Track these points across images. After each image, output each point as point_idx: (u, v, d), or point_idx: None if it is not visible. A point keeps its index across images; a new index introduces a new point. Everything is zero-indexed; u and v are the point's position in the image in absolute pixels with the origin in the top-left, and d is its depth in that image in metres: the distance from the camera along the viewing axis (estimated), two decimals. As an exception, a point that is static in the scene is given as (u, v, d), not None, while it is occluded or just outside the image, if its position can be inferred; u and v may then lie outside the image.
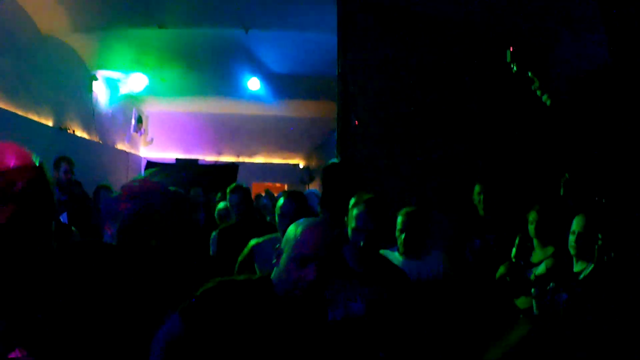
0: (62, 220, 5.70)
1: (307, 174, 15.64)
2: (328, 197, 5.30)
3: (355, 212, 3.27)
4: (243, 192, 6.26)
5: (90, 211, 7.45)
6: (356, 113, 6.91)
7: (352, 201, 3.36)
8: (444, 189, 6.49)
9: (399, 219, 4.50)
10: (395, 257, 4.44)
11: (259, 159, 16.73)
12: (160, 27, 9.81)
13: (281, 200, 4.59)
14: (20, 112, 9.83)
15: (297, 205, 4.52)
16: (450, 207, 6.19)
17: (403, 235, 4.47)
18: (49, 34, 10.29)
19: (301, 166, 16.42)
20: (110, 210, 2.68)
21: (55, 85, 11.27)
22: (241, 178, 16.21)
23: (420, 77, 6.85)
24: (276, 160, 16.68)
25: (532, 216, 4.74)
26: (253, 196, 10.78)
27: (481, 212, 5.66)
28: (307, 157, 16.31)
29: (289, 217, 4.28)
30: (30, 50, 9.92)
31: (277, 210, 4.56)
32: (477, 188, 5.71)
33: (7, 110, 9.38)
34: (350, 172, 6.25)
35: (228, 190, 6.36)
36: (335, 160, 6.80)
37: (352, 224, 3.28)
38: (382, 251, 3.81)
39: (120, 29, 10.47)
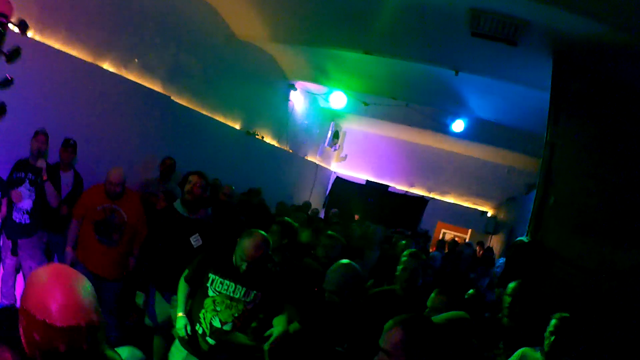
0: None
1: (493, 225, 14.92)
2: (509, 275, 5.09)
3: None
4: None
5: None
6: (556, 190, 6.20)
7: None
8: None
9: (553, 322, 4.08)
10: (537, 357, 4.04)
11: (449, 199, 16.20)
12: (366, 52, 9.70)
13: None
14: (206, 113, 10.13)
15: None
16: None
17: (552, 338, 4.01)
18: (244, 40, 10.50)
19: (489, 215, 15.68)
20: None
21: (248, 89, 11.51)
22: (427, 214, 15.81)
23: (634, 163, 5.96)
24: (466, 203, 16.03)
25: None
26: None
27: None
28: (497, 207, 15.53)
29: None
30: (223, 54, 10.19)
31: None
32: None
33: (195, 111, 9.71)
34: (538, 256, 5.75)
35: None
36: (524, 238, 6.21)
37: None
38: (525, 349, 3.94)
39: (324, 47, 10.47)
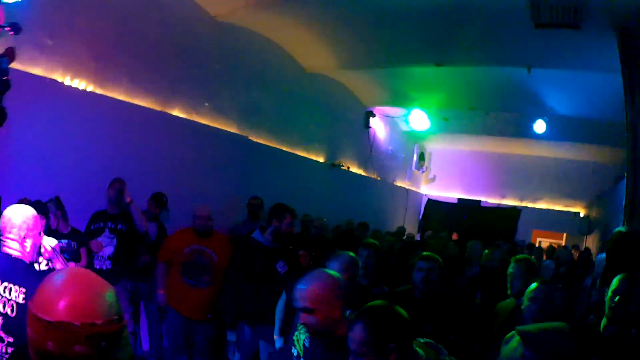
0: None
1: (587, 225, 14.26)
2: (612, 270, 4.61)
3: None
4: None
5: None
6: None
7: None
8: None
9: None
10: None
11: (541, 205, 15.67)
12: (437, 65, 9.61)
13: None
14: (287, 149, 10.27)
15: None
16: None
17: None
18: (314, 72, 10.65)
19: (581, 215, 15.01)
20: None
21: (326, 121, 11.64)
22: (521, 224, 15.33)
23: None
24: (557, 207, 15.47)
25: None
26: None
27: None
28: (588, 206, 14.87)
29: None
30: (295, 89, 10.37)
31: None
32: None
33: (275, 148, 9.87)
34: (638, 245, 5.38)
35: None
36: (621, 229, 5.86)
37: None
38: None
39: (394, 67, 10.49)
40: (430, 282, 4.50)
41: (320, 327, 2.75)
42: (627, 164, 6.33)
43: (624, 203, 6.38)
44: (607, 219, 11.27)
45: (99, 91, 6.46)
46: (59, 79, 5.97)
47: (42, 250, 3.75)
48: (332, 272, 2.89)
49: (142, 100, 7.12)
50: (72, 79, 6.09)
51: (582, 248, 12.53)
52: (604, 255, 7.77)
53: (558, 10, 6.70)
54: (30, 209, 3.39)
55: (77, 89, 6.16)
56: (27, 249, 3.23)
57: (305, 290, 2.72)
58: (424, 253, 4.89)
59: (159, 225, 6.67)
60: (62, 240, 4.25)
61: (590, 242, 13.96)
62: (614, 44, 6.59)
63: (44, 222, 3.93)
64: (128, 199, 5.70)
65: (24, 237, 3.22)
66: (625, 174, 6.32)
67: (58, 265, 3.83)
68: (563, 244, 14.65)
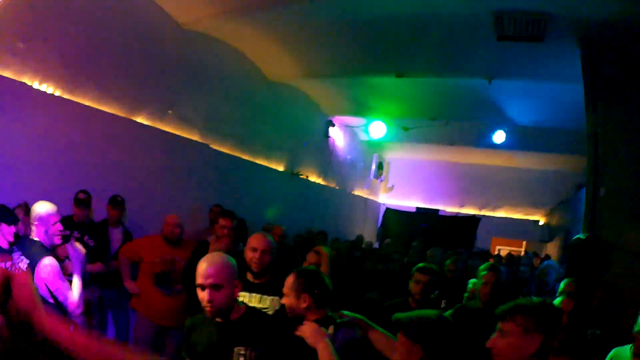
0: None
1: (548, 233, 14.60)
2: (572, 274, 4.86)
3: None
4: None
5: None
6: (604, 180, 6.00)
7: None
8: None
9: None
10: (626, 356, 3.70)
11: (500, 213, 15.95)
12: (398, 76, 9.69)
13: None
14: (248, 158, 10.21)
15: None
16: None
17: None
18: (277, 80, 10.62)
19: (541, 223, 15.36)
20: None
21: (287, 130, 11.62)
22: (481, 232, 15.58)
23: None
24: (517, 215, 15.78)
25: None
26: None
27: None
28: (548, 214, 15.21)
29: None
30: (258, 97, 10.33)
31: None
32: None
33: (236, 157, 9.81)
34: (597, 251, 5.54)
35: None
36: (581, 236, 6.02)
37: None
38: (617, 349, 3.54)
39: (356, 76, 10.54)
40: (427, 293, 4.69)
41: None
42: (587, 172, 6.49)
43: (584, 211, 6.54)
44: (568, 226, 11.54)
45: (67, 96, 6.35)
46: (28, 83, 5.85)
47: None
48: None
49: (109, 106, 7.00)
50: (40, 83, 5.98)
51: (543, 255, 12.78)
52: (550, 262, 7.96)
53: (522, 23, 6.83)
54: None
55: (45, 92, 6.05)
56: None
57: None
58: (421, 265, 4.94)
59: (124, 232, 6.57)
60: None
61: (551, 249, 14.16)
62: (577, 55, 6.77)
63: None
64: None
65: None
66: (586, 181, 6.48)
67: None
68: (522, 252, 14.89)
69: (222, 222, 5.29)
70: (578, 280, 4.33)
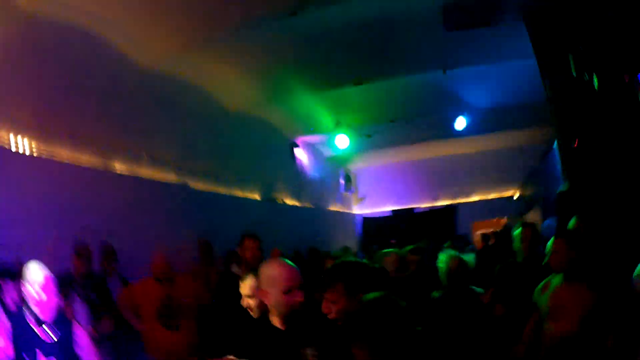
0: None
1: (524, 205, 14.90)
2: (565, 225, 5.00)
3: None
4: None
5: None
6: (574, 132, 6.32)
7: None
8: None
9: None
10: None
11: (475, 197, 16.27)
12: (356, 84, 9.95)
13: None
14: (224, 191, 10.37)
15: None
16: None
17: None
18: (239, 111, 10.80)
19: (515, 198, 15.72)
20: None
21: (256, 158, 11.72)
22: (463, 219, 15.84)
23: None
24: (492, 196, 16.11)
25: None
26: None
27: None
28: (521, 187, 15.55)
29: None
30: (223, 130, 10.46)
31: None
32: None
33: (208, 192, 9.90)
34: (581, 197, 5.81)
35: None
36: (562, 188, 6.32)
37: None
38: None
39: (313, 93, 10.79)
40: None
41: None
42: (555, 128, 6.78)
43: (559, 168, 6.83)
44: (542, 194, 11.74)
45: (43, 151, 6.42)
46: (4, 141, 5.91)
47: None
48: None
49: (85, 157, 7.06)
50: (15, 139, 6.04)
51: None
52: (548, 221, 8.25)
53: (468, 11, 7.18)
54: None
55: (21, 154, 6.09)
56: None
57: None
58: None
59: (120, 278, 6.53)
60: None
61: (533, 218, 14.36)
62: (524, 31, 7.12)
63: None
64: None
65: None
66: (556, 140, 6.77)
67: None
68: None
69: (248, 243, 5.41)
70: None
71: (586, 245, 3.99)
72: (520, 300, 4.34)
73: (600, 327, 3.65)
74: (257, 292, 3.03)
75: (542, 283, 4.21)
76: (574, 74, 6.12)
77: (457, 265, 4.73)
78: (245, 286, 3.95)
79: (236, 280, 4.75)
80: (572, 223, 4.64)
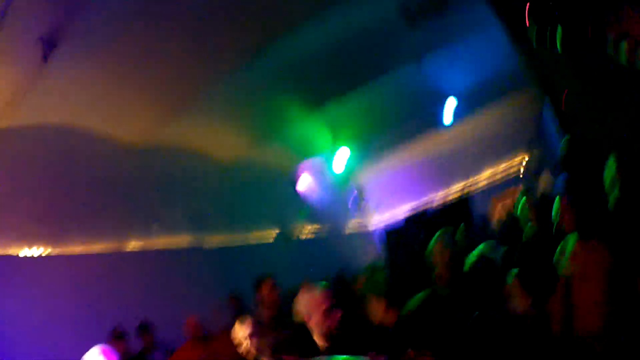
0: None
1: (537, 167, 14.75)
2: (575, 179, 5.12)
3: None
4: None
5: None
6: (562, 84, 6.33)
7: None
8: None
9: None
10: None
11: (485, 177, 16.13)
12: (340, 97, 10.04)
13: None
14: (241, 242, 10.59)
15: None
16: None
17: None
18: (232, 158, 10.78)
19: (524, 163, 15.62)
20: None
21: (261, 201, 11.64)
22: (480, 201, 15.70)
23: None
24: (501, 168, 15.93)
25: None
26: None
27: None
28: (527, 152, 15.42)
29: None
30: (228, 184, 10.51)
31: None
32: None
33: (224, 248, 10.05)
34: (583, 146, 5.77)
35: None
36: (565, 138, 6.28)
37: None
38: None
39: (303, 118, 10.83)
40: None
41: None
42: (541, 89, 6.78)
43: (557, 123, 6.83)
44: (548, 152, 11.66)
45: (55, 251, 6.45)
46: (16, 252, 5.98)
47: None
48: None
49: (97, 244, 7.13)
50: (29, 247, 6.11)
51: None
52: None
53: (422, 2, 7.26)
54: None
55: (32, 257, 6.16)
56: None
57: None
58: None
59: (162, 351, 6.59)
60: None
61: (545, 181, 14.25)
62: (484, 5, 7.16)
63: None
64: None
65: None
66: (545, 97, 6.76)
67: None
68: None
69: (264, 286, 5.42)
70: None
71: (590, 201, 3.98)
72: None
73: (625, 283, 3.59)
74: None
75: (558, 249, 4.16)
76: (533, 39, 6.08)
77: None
78: (239, 330, 4.12)
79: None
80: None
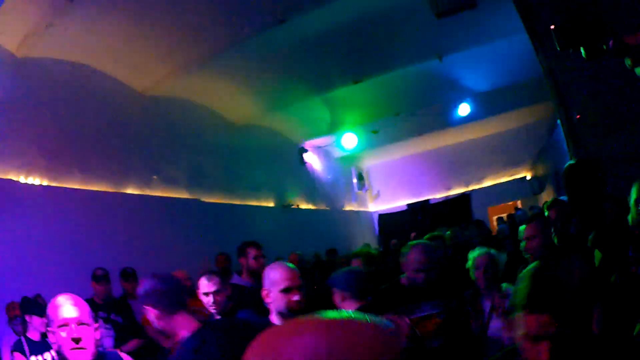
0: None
1: (537, 184, 14.81)
2: (576, 200, 4.90)
3: None
4: None
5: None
6: (574, 106, 6.32)
7: None
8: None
9: None
10: None
11: (487, 182, 16.21)
12: (355, 82, 9.99)
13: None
14: (239, 202, 10.48)
15: None
16: None
17: None
18: (244, 123, 10.96)
19: (528, 178, 15.63)
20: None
21: (266, 168, 11.84)
22: (477, 206, 15.79)
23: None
24: (503, 179, 16.03)
25: None
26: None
27: None
28: (532, 167, 15.48)
29: None
30: (232, 144, 10.63)
31: None
32: None
33: (227, 204, 10.06)
34: (590, 170, 5.76)
35: None
36: (571, 162, 6.29)
37: None
38: None
39: (315, 96, 10.91)
40: None
41: None
42: (555, 104, 6.76)
43: (565, 143, 6.81)
44: (555, 169, 11.69)
45: (54, 184, 6.54)
46: (14, 179, 6.05)
47: None
48: None
49: (96, 185, 7.20)
50: (26, 177, 6.18)
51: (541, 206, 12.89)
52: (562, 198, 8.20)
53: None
54: None
55: (32, 185, 6.22)
56: None
57: None
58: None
59: None
60: None
61: (546, 198, 14.26)
62: (511, 7, 7.14)
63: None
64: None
65: None
66: (555, 111, 6.74)
67: None
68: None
69: (250, 251, 5.46)
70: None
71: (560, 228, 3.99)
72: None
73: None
74: (262, 292, 3.09)
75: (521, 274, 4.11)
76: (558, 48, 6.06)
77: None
78: (203, 286, 4.21)
79: (239, 291, 4.92)
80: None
